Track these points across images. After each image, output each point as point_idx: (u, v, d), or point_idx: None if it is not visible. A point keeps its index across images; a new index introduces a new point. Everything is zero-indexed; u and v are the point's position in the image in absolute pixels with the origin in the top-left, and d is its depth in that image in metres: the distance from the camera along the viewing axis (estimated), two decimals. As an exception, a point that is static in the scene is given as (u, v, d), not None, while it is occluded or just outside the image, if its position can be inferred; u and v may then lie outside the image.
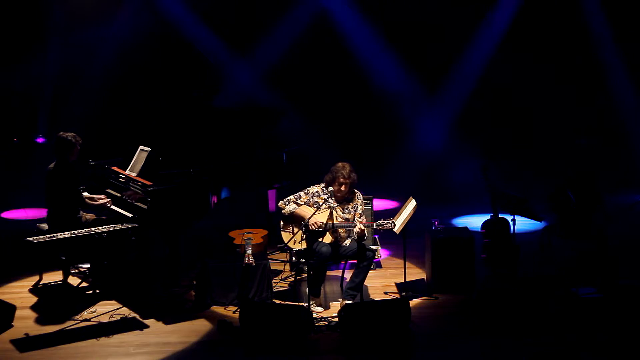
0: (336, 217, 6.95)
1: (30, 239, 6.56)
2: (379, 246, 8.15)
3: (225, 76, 11.71)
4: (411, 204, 7.16)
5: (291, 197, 7.14)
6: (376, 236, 8.18)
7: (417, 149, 12.18)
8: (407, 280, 7.37)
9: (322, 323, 6.55)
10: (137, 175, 7.65)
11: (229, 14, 11.55)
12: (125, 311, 6.91)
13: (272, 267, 7.52)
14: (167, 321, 6.74)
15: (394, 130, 12.39)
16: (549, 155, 11.46)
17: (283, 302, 6.98)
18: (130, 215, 7.26)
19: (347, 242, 7.08)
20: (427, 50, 12.02)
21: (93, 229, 6.88)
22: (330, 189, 6.93)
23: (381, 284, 7.67)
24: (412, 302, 6.94)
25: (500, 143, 11.95)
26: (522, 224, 8.52)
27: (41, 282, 7.66)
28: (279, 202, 7.17)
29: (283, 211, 7.07)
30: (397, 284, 7.62)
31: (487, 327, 6.40)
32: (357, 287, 6.93)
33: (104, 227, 6.92)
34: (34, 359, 6.08)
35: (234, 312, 6.86)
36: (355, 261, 6.99)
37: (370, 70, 12.12)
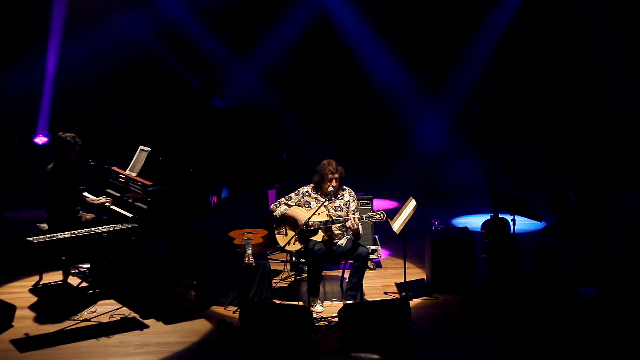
0: (329, 216, 6.97)
1: (30, 239, 6.56)
2: (379, 246, 8.15)
3: (225, 76, 11.71)
4: (411, 204, 7.17)
5: (282, 199, 7.16)
6: (376, 236, 8.18)
7: (417, 149, 12.19)
8: (407, 280, 7.37)
9: (322, 323, 6.55)
10: (137, 175, 7.65)
11: (229, 13, 11.54)
12: (125, 311, 6.91)
13: (272, 267, 7.52)
14: (167, 321, 6.74)
15: (394, 130, 12.39)
16: (549, 155, 11.47)
17: (283, 302, 6.98)
18: (130, 215, 7.26)
19: (343, 241, 7.08)
20: (427, 50, 12.02)
21: (93, 229, 6.88)
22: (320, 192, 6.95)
23: (381, 284, 7.67)
24: (412, 302, 6.94)
25: (500, 143, 11.96)
26: (522, 224, 8.53)
27: (41, 282, 7.66)
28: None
29: (274, 214, 7.09)
30: (397, 284, 7.62)
31: (487, 327, 6.40)
32: (355, 286, 6.94)
33: (104, 227, 6.92)
34: (34, 359, 6.09)
35: (234, 312, 6.86)
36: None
37: (370, 69, 12.12)
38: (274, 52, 11.82)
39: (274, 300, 7.06)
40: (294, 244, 6.93)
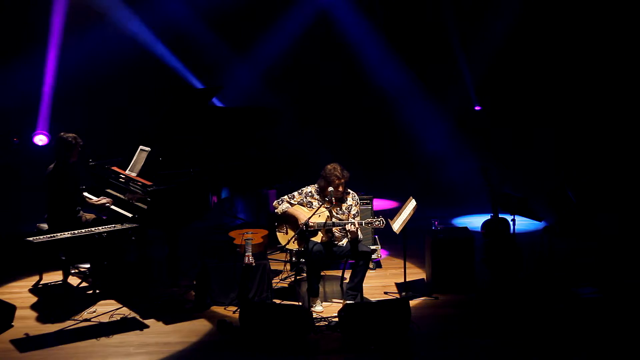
0: (330, 218, 6.98)
1: (30, 239, 6.56)
2: (379, 246, 8.15)
3: (225, 76, 11.71)
4: (411, 204, 7.17)
5: (285, 197, 7.17)
6: (376, 236, 8.18)
7: (417, 149, 12.19)
8: (407, 280, 7.37)
9: (322, 323, 6.55)
10: (137, 175, 7.65)
11: (229, 13, 11.53)
12: (125, 311, 6.91)
13: (272, 267, 7.52)
14: (167, 321, 6.74)
15: (394, 130, 12.39)
16: (549, 154, 11.47)
17: (283, 302, 6.98)
18: (130, 215, 7.27)
19: (344, 242, 7.08)
20: (427, 50, 12.02)
21: (93, 229, 6.87)
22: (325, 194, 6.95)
23: (381, 284, 7.67)
24: (412, 302, 6.94)
25: (500, 143, 11.97)
26: (522, 224, 8.53)
27: (41, 282, 7.67)
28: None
29: (276, 210, 7.12)
30: (397, 284, 7.62)
31: (487, 327, 6.40)
32: (356, 286, 6.94)
33: (104, 227, 6.92)
34: (34, 359, 6.08)
35: (234, 312, 6.87)
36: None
37: (370, 69, 12.12)
38: (274, 52, 11.82)
39: (274, 300, 7.06)
40: (294, 243, 6.94)
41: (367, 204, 8.00)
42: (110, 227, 6.91)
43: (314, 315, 6.64)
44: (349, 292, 6.94)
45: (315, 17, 11.81)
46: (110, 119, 11.22)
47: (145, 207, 7.20)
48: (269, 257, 7.89)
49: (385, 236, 8.24)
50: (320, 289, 7.18)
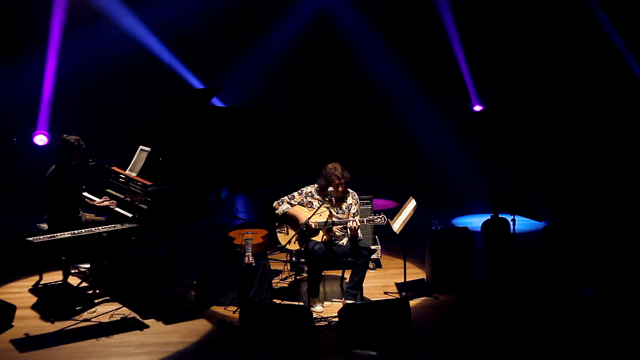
0: (330, 217, 6.98)
1: (30, 239, 6.56)
2: (379, 246, 8.15)
3: (225, 76, 11.71)
4: (411, 204, 7.17)
5: (285, 197, 7.16)
6: (376, 236, 8.18)
7: (417, 149, 12.18)
8: (407, 280, 7.37)
9: (322, 323, 6.55)
10: (137, 175, 7.65)
11: (229, 12, 11.53)
12: (125, 311, 6.91)
13: (272, 267, 7.52)
14: (167, 321, 6.74)
15: (394, 130, 12.39)
16: (549, 154, 11.47)
17: (283, 302, 6.98)
18: (130, 215, 7.26)
19: (344, 241, 7.08)
20: (427, 50, 12.02)
21: (93, 229, 6.88)
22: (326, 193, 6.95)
23: (381, 284, 7.67)
24: (412, 302, 6.94)
25: (500, 143, 11.96)
26: (522, 224, 8.53)
27: (41, 282, 7.67)
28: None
29: (276, 211, 7.10)
30: (397, 284, 7.62)
31: (487, 327, 6.40)
32: (356, 286, 6.94)
33: (104, 227, 6.93)
34: (34, 359, 6.08)
35: (234, 312, 6.86)
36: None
37: (371, 69, 12.11)
38: (274, 52, 11.82)
39: (274, 300, 7.06)
40: (294, 243, 6.94)
41: (367, 203, 8.00)
42: (110, 227, 6.91)
43: (314, 315, 6.64)
44: (349, 291, 6.94)
45: (316, 17, 11.81)
46: (110, 119, 11.21)
47: (145, 207, 7.20)
48: (269, 257, 7.89)
49: (385, 236, 8.24)
50: (321, 289, 7.18)
